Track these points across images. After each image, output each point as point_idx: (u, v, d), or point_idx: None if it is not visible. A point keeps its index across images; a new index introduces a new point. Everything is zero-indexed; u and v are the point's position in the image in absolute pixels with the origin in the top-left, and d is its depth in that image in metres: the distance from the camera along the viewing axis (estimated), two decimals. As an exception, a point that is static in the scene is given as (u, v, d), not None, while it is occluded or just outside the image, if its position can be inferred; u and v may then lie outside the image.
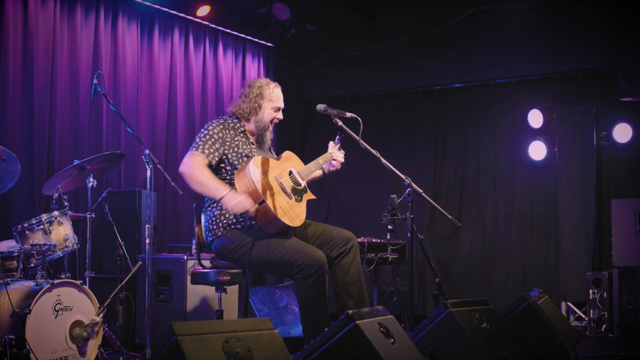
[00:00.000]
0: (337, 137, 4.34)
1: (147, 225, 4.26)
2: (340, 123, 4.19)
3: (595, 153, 6.67)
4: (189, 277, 4.86)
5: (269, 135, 4.20)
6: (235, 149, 4.04)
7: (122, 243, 4.64)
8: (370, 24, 7.54)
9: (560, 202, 6.79)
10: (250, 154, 4.05)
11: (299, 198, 4.07)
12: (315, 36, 7.56)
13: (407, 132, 7.66)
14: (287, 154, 4.27)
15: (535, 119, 6.86)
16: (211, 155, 3.98)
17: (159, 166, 4.23)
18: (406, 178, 3.97)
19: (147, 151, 4.21)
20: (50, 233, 4.28)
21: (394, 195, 5.21)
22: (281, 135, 7.70)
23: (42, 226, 4.27)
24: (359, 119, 4.13)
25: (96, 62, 5.90)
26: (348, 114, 4.18)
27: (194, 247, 5.21)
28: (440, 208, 4.07)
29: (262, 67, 7.72)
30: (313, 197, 4.22)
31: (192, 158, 3.96)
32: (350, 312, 2.63)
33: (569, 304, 6.41)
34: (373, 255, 5.46)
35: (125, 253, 4.65)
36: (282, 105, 4.23)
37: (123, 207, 5.54)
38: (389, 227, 5.19)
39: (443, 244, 7.32)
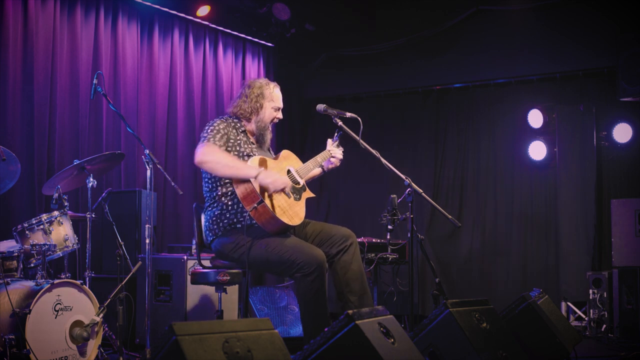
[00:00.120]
0: (336, 134, 4.34)
1: (147, 225, 4.26)
2: (340, 123, 4.20)
3: (595, 153, 6.67)
4: (189, 277, 4.86)
5: (268, 135, 4.21)
6: (237, 148, 4.04)
7: (122, 243, 4.64)
8: (370, 24, 7.54)
9: (560, 202, 6.79)
10: (251, 154, 4.06)
11: (298, 197, 4.07)
12: (315, 36, 7.56)
13: (407, 132, 7.66)
14: (285, 152, 4.27)
15: (535, 119, 6.86)
16: (222, 148, 3.98)
17: (159, 166, 4.23)
18: (406, 178, 3.98)
19: (147, 151, 4.21)
20: (50, 233, 4.28)
21: (394, 195, 5.21)
22: (281, 135, 7.70)
23: (42, 226, 4.27)
24: (359, 119, 4.13)
25: (96, 62, 5.90)
26: (348, 114, 4.18)
27: (194, 247, 5.21)
28: (440, 208, 4.07)
29: (262, 67, 7.72)
30: (312, 195, 4.22)
31: (208, 146, 3.93)
32: (350, 312, 2.63)
33: (569, 304, 6.41)
34: (373, 255, 5.46)
35: (125, 253, 4.65)
36: (282, 105, 4.25)
37: (123, 207, 5.54)
38: (389, 227, 5.19)
39: (443, 244, 7.32)
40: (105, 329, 4.56)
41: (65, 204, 4.38)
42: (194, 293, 5.19)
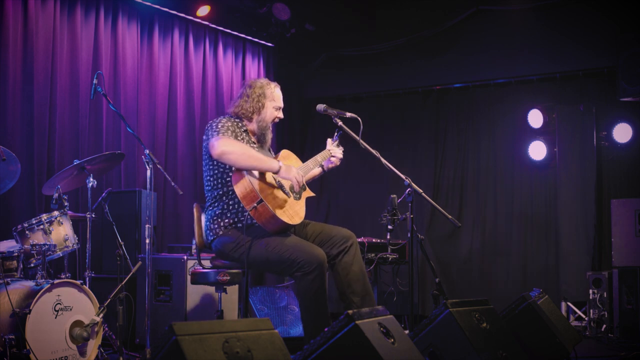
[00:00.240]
0: (335, 134, 4.35)
1: (147, 225, 4.26)
2: (340, 123, 4.20)
3: (595, 153, 6.67)
4: (189, 277, 4.86)
5: (269, 135, 4.22)
6: None
7: (122, 243, 4.64)
8: (370, 24, 7.54)
9: (560, 202, 6.79)
10: None
11: (298, 196, 4.08)
12: (315, 36, 7.56)
13: (407, 132, 7.66)
14: (284, 152, 4.28)
15: (535, 119, 6.86)
16: None
17: (159, 166, 4.23)
18: (406, 178, 3.98)
19: (147, 151, 4.21)
20: (50, 233, 4.28)
21: (394, 195, 5.21)
22: (281, 135, 7.70)
23: (42, 226, 4.26)
24: (359, 119, 4.14)
25: (96, 62, 5.90)
26: (348, 114, 4.19)
27: (194, 247, 5.21)
28: (440, 208, 4.07)
29: (262, 67, 7.72)
30: (312, 194, 4.23)
31: (225, 139, 3.91)
32: (350, 312, 2.63)
33: (569, 304, 6.41)
34: (373, 255, 5.46)
35: (125, 253, 4.65)
36: (282, 104, 4.25)
37: (123, 207, 5.54)
38: (389, 227, 5.19)
39: (443, 244, 7.32)
40: (105, 329, 4.56)
41: (65, 204, 4.38)
42: (194, 293, 5.19)
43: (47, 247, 4.16)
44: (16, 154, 4.41)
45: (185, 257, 5.20)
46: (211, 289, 4.99)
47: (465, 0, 7.08)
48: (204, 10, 6.72)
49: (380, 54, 7.59)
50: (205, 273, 4.22)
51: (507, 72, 7.10)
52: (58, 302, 4.00)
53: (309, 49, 7.82)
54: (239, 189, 3.86)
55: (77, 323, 4.08)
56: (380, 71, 7.68)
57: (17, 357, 3.76)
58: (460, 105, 7.47)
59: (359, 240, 5.35)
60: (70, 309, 4.06)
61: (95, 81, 4.33)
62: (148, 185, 4.22)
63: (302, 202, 4.10)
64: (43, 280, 4.06)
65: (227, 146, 3.86)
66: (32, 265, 4.25)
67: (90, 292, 4.20)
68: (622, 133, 6.52)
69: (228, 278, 4.17)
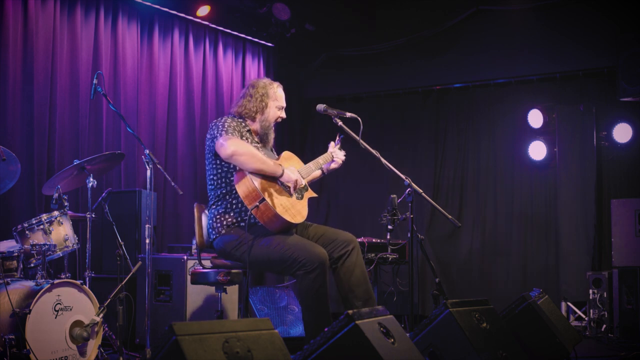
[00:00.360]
0: (338, 137, 4.36)
1: (147, 225, 4.26)
2: (340, 123, 4.20)
3: (595, 153, 6.66)
4: (189, 277, 4.86)
5: (272, 135, 4.23)
6: None
7: (122, 243, 4.64)
8: (370, 24, 7.54)
9: (560, 202, 6.79)
10: None
11: (300, 196, 4.09)
12: (315, 36, 7.56)
13: (407, 132, 7.66)
14: (286, 153, 4.30)
15: (535, 119, 6.86)
16: None
17: (159, 166, 4.23)
18: (406, 178, 3.98)
19: (147, 151, 4.21)
20: (50, 233, 4.28)
21: (394, 195, 5.21)
22: (281, 135, 7.69)
23: (42, 226, 4.26)
24: (359, 119, 4.14)
25: (96, 62, 5.90)
26: (348, 114, 4.19)
27: (194, 247, 5.21)
28: (440, 208, 4.07)
29: (262, 67, 7.72)
30: (314, 195, 4.24)
31: (234, 139, 3.94)
32: (350, 312, 2.64)
33: (569, 304, 6.41)
34: (373, 255, 5.46)
35: (125, 253, 4.65)
36: (285, 104, 4.27)
37: (123, 207, 5.54)
38: (389, 227, 5.19)
39: (443, 244, 7.32)
40: (105, 329, 4.56)
41: (65, 204, 4.38)
42: (194, 293, 5.19)
43: (47, 247, 4.16)
44: (16, 154, 4.41)
45: (185, 257, 5.20)
46: (211, 289, 4.99)
47: (465, 0, 7.08)
48: (204, 10, 6.72)
49: (380, 54, 7.59)
50: (205, 273, 4.22)
51: (507, 72, 7.10)
52: (58, 302, 4.00)
53: (309, 49, 7.82)
54: (241, 188, 3.87)
55: (77, 323, 4.08)
56: (380, 71, 7.68)
57: (17, 357, 3.76)
58: (460, 105, 7.47)
59: (359, 240, 5.36)
60: (70, 309, 4.06)
61: (95, 81, 4.34)
62: (148, 185, 4.22)
63: (305, 202, 4.11)
64: (43, 280, 4.06)
65: (238, 147, 3.90)
66: (32, 265, 4.25)
67: (90, 292, 4.20)
68: (622, 133, 6.52)
69: (228, 278, 4.17)
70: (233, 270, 4.18)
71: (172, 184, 4.26)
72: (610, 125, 6.58)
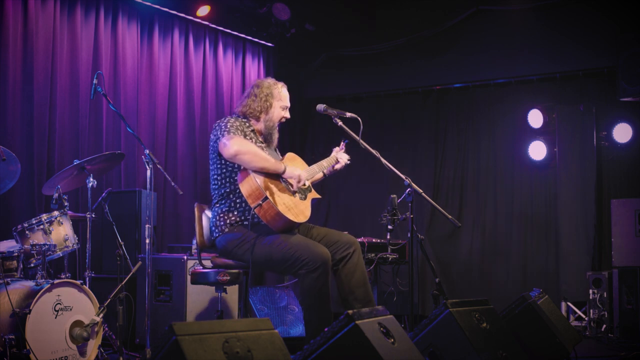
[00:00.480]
0: (342, 142, 4.41)
1: (147, 225, 4.26)
2: (340, 123, 4.21)
3: (595, 153, 6.66)
4: (189, 277, 4.86)
5: (276, 135, 4.24)
6: None
7: (122, 243, 4.64)
8: (370, 24, 7.54)
9: (560, 202, 6.79)
10: None
11: (303, 196, 4.11)
12: (315, 36, 7.56)
13: (407, 132, 7.66)
14: (289, 155, 4.32)
15: (535, 119, 6.86)
16: None
17: (159, 166, 4.23)
18: (406, 178, 3.98)
19: (147, 151, 4.21)
20: (50, 233, 4.28)
21: (394, 195, 5.21)
22: (281, 135, 7.56)
23: (42, 226, 4.26)
24: (359, 119, 4.14)
25: (96, 62, 5.90)
26: (348, 114, 4.19)
27: (194, 247, 5.21)
28: (440, 208, 4.08)
29: (262, 67, 7.72)
30: (318, 196, 4.26)
31: (238, 138, 3.96)
32: (350, 312, 2.64)
33: (569, 304, 6.41)
34: (373, 255, 5.46)
35: (125, 253, 4.65)
36: (289, 104, 4.28)
37: (123, 207, 5.54)
38: (389, 227, 5.19)
39: (443, 244, 7.32)
40: (105, 329, 4.56)
41: (65, 204, 4.38)
42: (194, 293, 5.19)
43: (47, 247, 4.16)
44: (16, 154, 4.41)
45: (185, 257, 5.20)
46: (211, 289, 4.99)
47: (465, 0, 7.08)
48: (204, 10, 6.72)
49: (380, 54, 7.59)
50: (205, 273, 4.22)
51: (507, 72, 7.10)
52: (58, 302, 4.00)
53: (309, 49, 7.81)
54: (245, 187, 3.90)
55: (77, 323, 4.08)
56: (380, 71, 7.68)
57: (17, 357, 3.76)
58: (460, 105, 7.47)
59: (359, 240, 5.36)
60: (70, 309, 4.06)
61: (95, 81, 4.34)
62: (148, 185, 4.22)
63: (308, 202, 4.13)
64: (43, 280, 4.06)
65: (241, 146, 3.91)
66: (32, 265, 4.25)
67: (90, 292, 4.20)
68: (622, 133, 6.52)
69: (228, 278, 4.17)
70: (233, 270, 4.18)
71: (172, 184, 4.26)
72: (610, 125, 6.58)
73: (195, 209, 4.33)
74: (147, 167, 4.23)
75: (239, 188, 3.97)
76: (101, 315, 4.14)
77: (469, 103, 7.41)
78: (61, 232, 4.35)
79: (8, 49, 5.25)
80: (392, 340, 2.77)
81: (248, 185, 3.89)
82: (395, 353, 2.71)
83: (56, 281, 4.04)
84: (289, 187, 4.04)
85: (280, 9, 6.99)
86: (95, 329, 4.14)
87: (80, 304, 4.12)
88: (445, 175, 7.43)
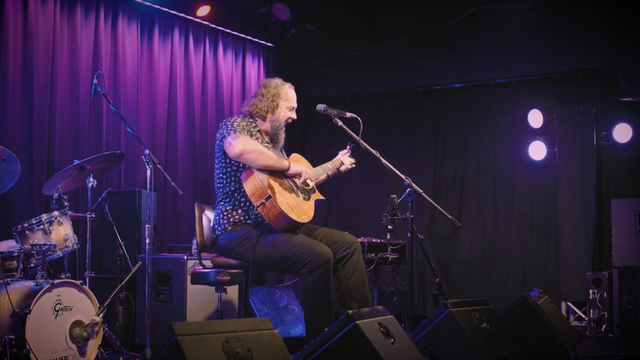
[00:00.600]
0: (348, 146, 4.43)
1: (147, 225, 4.26)
2: (340, 123, 4.21)
3: (595, 153, 6.66)
4: (189, 277, 4.86)
5: (282, 135, 4.25)
6: None
7: (122, 243, 4.64)
8: (370, 24, 7.54)
9: (560, 202, 6.79)
10: None
11: (307, 197, 4.12)
12: (315, 36, 7.56)
13: (407, 132, 7.66)
14: (295, 156, 4.33)
15: (535, 119, 6.85)
16: None
17: (159, 166, 4.23)
18: (406, 178, 3.98)
19: (147, 151, 4.21)
20: (50, 233, 4.28)
21: (394, 195, 5.21)
22: (281, 135, 7.69)
23: (42, 226, 4.26)
24: (359, 119, 4.14)
25: (96, 62, 5.90)
26: (348, 114, 4.20)
27: (194, 247, 5.21)
28: (440, 208, 4.08)
29: (262, 67, 7.72)
30: (321, 197, 4.27)
31: (243, 137, 3.97)
32: (350, 312, 2.64)
33: (569, 304, 6.41)
34: (373, 255, 5.46)
35: (125, 253, 4.65)
36: (296, 105, 4.29)
37: (123, 207, 5.54)
38: (389, 227, 5.19)
39: (443, 244, 7.32)
40: (105, 329, 4.56)
41: (65, 204, 4.38)
42: (194, 293, 5.19)
43: (47, 247, 4.16)
44: (16, 154, 4.41)
45: (185, 257, 5.20)
46: (211, 289, 4.99)
47: (465, 0, 7.08)
48: (204, 10, 6.72)
49: (380, 54, 7.58)
50: (205, 273, 4.22)
51: (507, 72, 7.10)
52: (58, 302, 4.00)
53: (309, 49, 7.81)
54: (249, 185, 3.91)
55: (77, 323, 4.07)
56: (380, 71, 7.68)
57: (17, 357, 3.76)
58: (460, 105, 7.47)
59: (359, 240, 5.36)
60: (70, 309, 4.06)
61: (95, 81, 4.34)
62: (148, 185, 4.22)
63: (311, 203, 4.13)
64: (43, 280, 4.06)
65: (247, 145, 3.93)
66: (32, 265, 4.25)
67: (90, 292, 4.20)
68: (622, 133, 6.52)
69: (228, 278, 4.17)
70: (233, 270, 4.19)
71: (172, 184, 4.26)
72: (610, 125, 6.58)
73: (196, 209, 4.34)
74: (147, 167, 4.23)
75: (243, 187, 3.98)
76: (101, 315, 4.14)
77: (469, 103, 7.41)
78: (61, 232, 4.35)
79: (8, 49, 5.25)
80: (392, 340, 2.77)
81: (252, 184, 3.90)
82: (395, 353, 2.71)
83: (56, 281, 4.04)
84: (294, 187, 4.05)
85: (280, 9, 6.99)
86: (95, 329, 4.14)
87: (80, 304, 4.12)
88: (445, 175, 7.43)
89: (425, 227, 7.31)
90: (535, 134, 6.91)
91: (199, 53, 6.95)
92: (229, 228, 4.03)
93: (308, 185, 4.18)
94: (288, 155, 4.34)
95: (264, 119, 4.20)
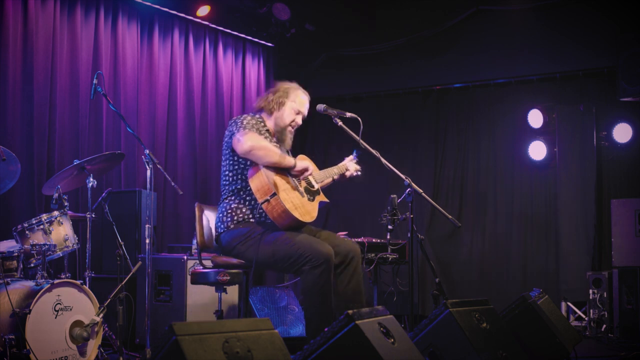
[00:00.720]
0: (355, 153, 4.46)
1: (147, 225, 4.26)
2: (340, 123, 4.21)
3: (595, 153, 6.66)
4: (189, 277, 4.86)
5: (289, 136, 4.23)
6: None
7: (122, 243, 4.64)
8: (370, 24, 7.54)
9: (560, 202, 6.79)
10: None
11: (312, 198, 4.14)
12: (315, 36, 7.56)
13: (407, 132, 7.66)
14: (301, 157, 4.33)
15: (535, 119, 6.86)
16: None
17: (159, 166, 4.23)
18: (406, 178, 3.98)
19: (147, 151, 4.21)
20: (50, 233, 4.28)
21: (394, 195, 5.21)
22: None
23: (42, 226, 4.26)
24: (359, 119, 4.14)
25: (96, 62, 5.90)
26: (348, 114, 4.19)
27: (194, 247, 5.21)
28: (440, 208, 4.07)
29: (262, 67, 7.72)
30: (326, 200, 4.28)
31: (252, 134, 3.98)
32: (350, 312, 2.64)
33: (569, 304, 6.41)
34: (373, 255, 5.46)
35: (125, 253, 4.65)
36: (304, 111, 4.26)
37: (123, 207, 5.54)
38: (389, 227, 5.19)
39: (443, 244, 7.32)
40: (105, 329, 4.56)
41: (65, 204, 4.38)
42: (194, 293, 5.19)
43: (47, 247, 4.16)
44: (16, 154, 4.41)
45: (185, 257, 5.20)
46: (211, 289, 4.99)
47: (465, 0, 7.08)
48: (204, 10, 6.72)
49: (380, 54, 7.59)
50: (205, 273, 4.22)
51: (507, 72, 7.10)
52: (58, 302, 4.00)
53: (309, 49, 7.81)
54: (255, 182, 3.92)
55: (77, 323, 4.08)
56: (380, 71, 7.68)
57: (17, 357, 3.76)
58: (460, 105, 7.47)
59: (359, 240, 5.37)
60: (70, 309, 4.06)
61: (95, 81, 4.34)
62: (148, 185, 4.23)
63: (315, 204, 4.14)
64: (43, 280, 4.06)
65: (255, 142, 3.94)
66: (32, 265, 4.25)
67: (90, 292, 4.20)
68: (622, 133, 6.52)
69: (228, 278, 4.17)
70: (233, 270, 4.19)
71: (172, 184, 4.26)
72: (610, 125, 6.58)
73: (196, 209, 4.34)
74: (147, 167, 4.23)
75: (249, 185, 3.99)
76: (101, 315, 4.14)
77: (469, 103, 7.41)
78: (61, 232, 4.35)
79: (8, 49, 5.25)
80: (392, 340, 2.77)
81: (258, 181, 3.91)
82: (395, 353, 2.71)
83: (56, 281, 4.04)
84: (299, 187, 4.06)
85: (280, 9, 6.99)
86: (95, 329, 4.14)
87: (80, 304, 4.12)
88: (445, 175, 7.43)
89: (425, 227, 7.31)
90: (535, 134, 6.92)
91: (199, 53, 6.95)
92: (232, 226, 4.03)
93: (313, 186, 4.18)
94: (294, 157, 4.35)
95: (270, 113, 4.21)
